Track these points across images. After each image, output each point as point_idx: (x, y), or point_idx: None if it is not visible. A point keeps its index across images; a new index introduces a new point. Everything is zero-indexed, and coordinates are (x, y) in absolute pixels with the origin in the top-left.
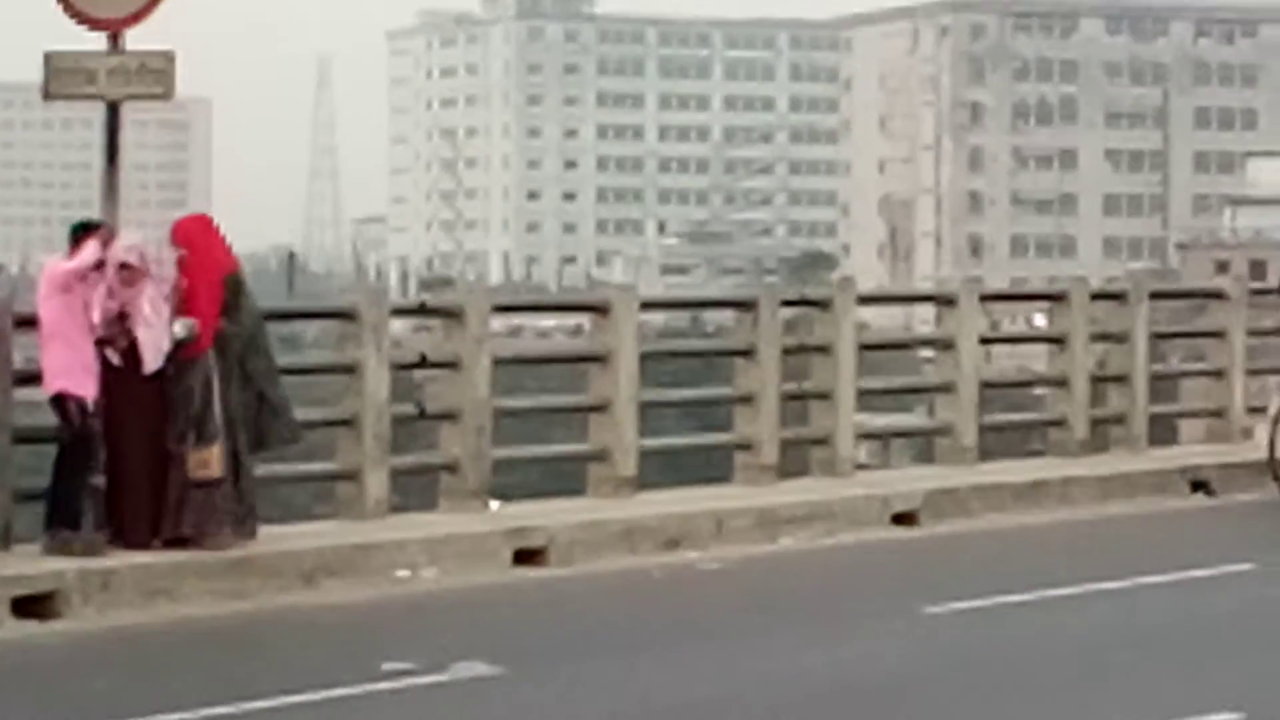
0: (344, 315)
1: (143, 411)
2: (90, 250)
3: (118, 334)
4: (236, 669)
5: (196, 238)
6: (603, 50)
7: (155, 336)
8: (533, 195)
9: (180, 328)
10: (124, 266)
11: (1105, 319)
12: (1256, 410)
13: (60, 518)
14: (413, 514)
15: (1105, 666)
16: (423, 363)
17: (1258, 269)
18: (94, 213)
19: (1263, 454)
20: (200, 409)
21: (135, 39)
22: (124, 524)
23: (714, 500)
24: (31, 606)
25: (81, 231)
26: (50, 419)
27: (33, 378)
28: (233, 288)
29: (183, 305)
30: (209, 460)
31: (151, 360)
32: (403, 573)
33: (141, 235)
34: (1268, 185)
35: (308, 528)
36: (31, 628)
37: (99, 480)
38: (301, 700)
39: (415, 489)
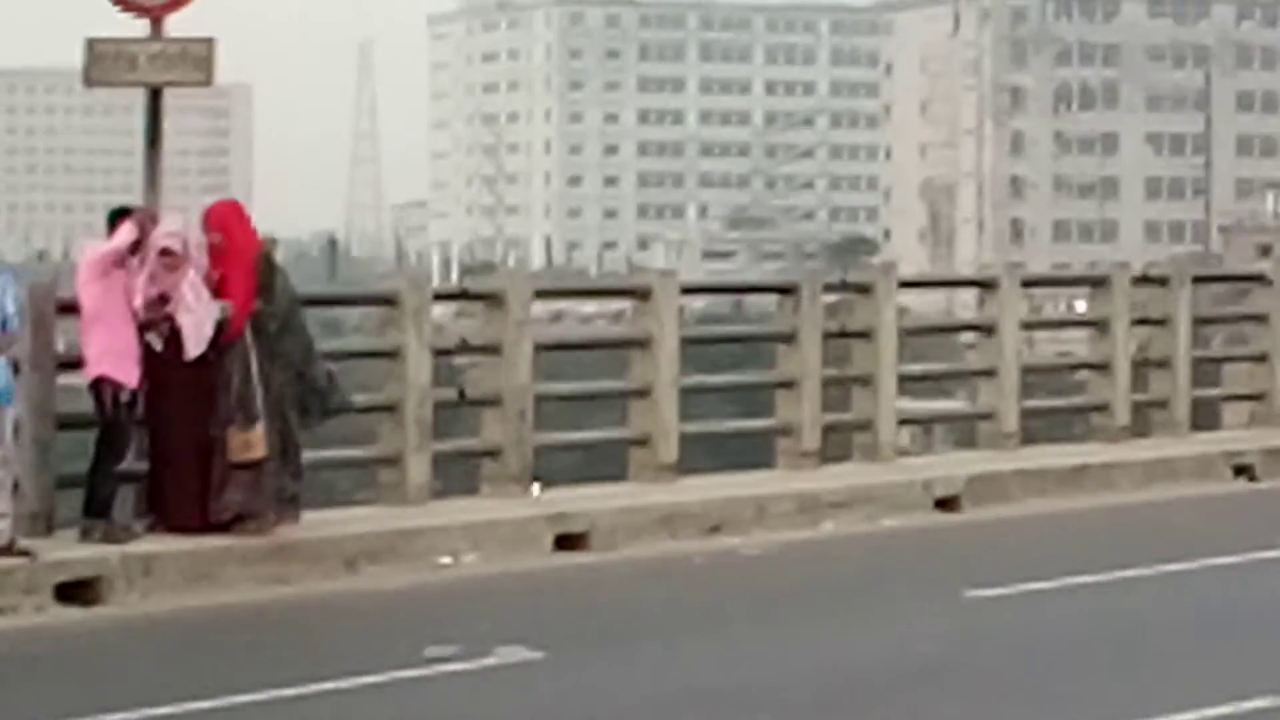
0: (385, 300)
1: (185, 396)
2: (125, 232)
3: (159, 319)
4: (278, 654)
5: (231, 222)
6: (644, 35)
7: (197, 321)
8: (574, 180)
9: (217, 310)
10: (165, 252)
11: (1147, 304)
12: None
13: (90, 505)
14: (455, 499)
15: (1149, 651)
16: (464, 348)
17: None
18: (136, 199)
19: None
20: (242, 391)
21: (176, 25)
22: (169, 509)
23: (755, 485)
24: (75, 592)
25: (119, 217)
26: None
27: (76, 363)
28: (265, 268)
29: (218, 289)
30: (253, 442)
31: (194, 345)
32: (445, 558)
33: (182, 220)
34: None
35: (350, 513)
36: (75, 613)
37: (136, 467)
38: (343, 685)
39: (457, 474)
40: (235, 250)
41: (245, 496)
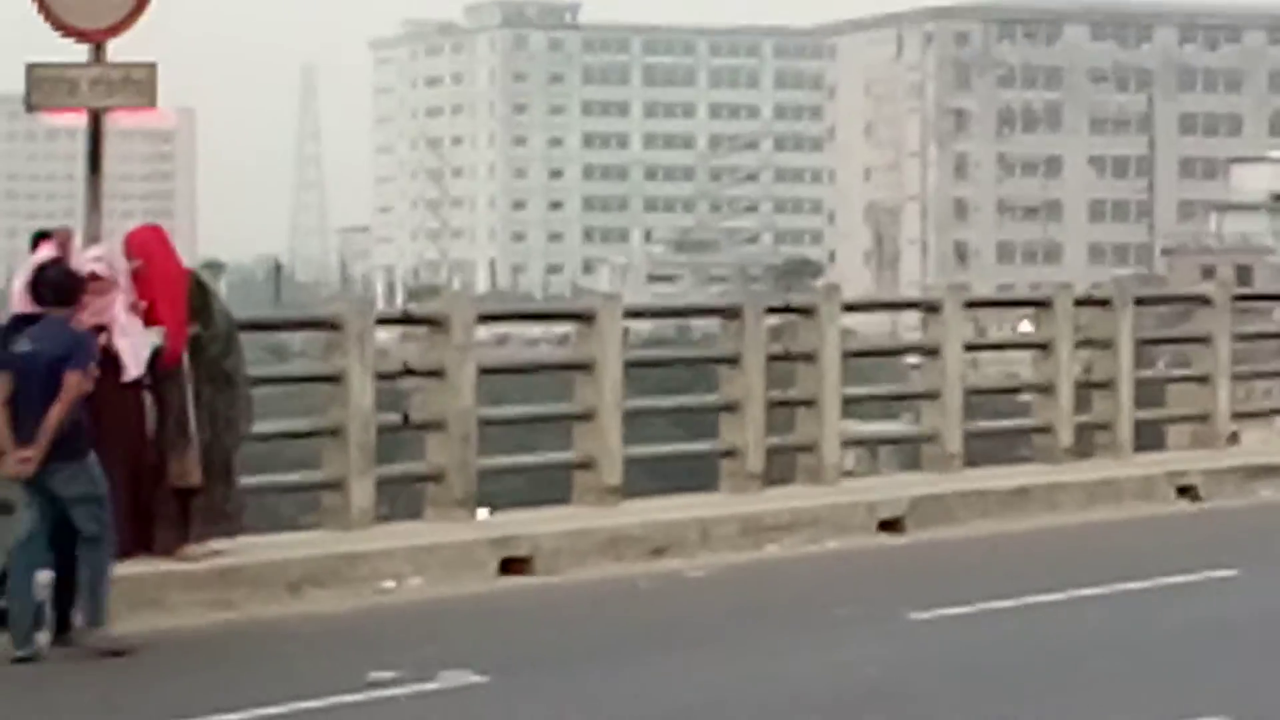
0: (329, 325)
1: (123, 421)
2: (40, 254)
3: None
4: (222, 679)
5: (153, 248)
6: (587, 59)
7: (134, 345)
8: (518, 204)
9: (153, 335)
10: (93, 276)
11: (1090, 325)
12: (1242, 415)
13: None
14: (398, 523)
15: (1091, 672)
16: (407, 372)
17: (1243, 274)
18: (79, 224)
19: (1248, 459)
20: (180, 417)
21: (118, 50)
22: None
23: (700, 508)
24: None
25: (41, 239)
26: None
27: None
28: (197, 293)
29: (146, 316)
30: (189, 468)
31: (133, 368)
32: (388, 582)
33: (107, 244)
34: (1252, 190)
35: (293, 537)
36: None
37: None
38: (285, 710)
39: (401, 498)
40: (160, 276)
41: (182, 523)
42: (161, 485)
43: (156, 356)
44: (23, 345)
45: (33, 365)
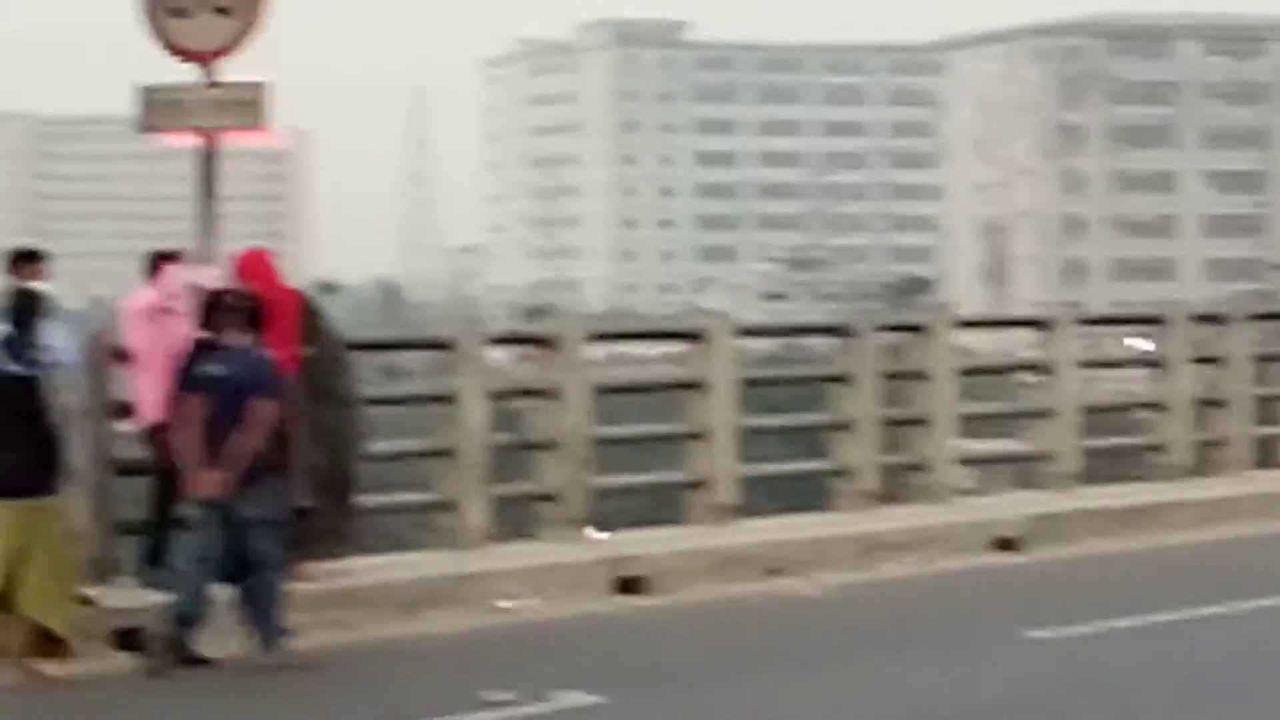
0: (442, 345)
1: None
2: (171, 281)
3: None
4: (337, 700)
5: (263, 270)
6: (699, 77)
7: None
8: (630, 223)
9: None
10: None
11: (1206, 342)
12: None
13: (148, 552)
14: (513, 544)
15: (1210, 692)
16: (521, 391)
17: None
18: (191, 244)
19: None
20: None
21: (229, 72)
22: None
23: (814, 527)
24: (134, 639)
25: (158, 260)
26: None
27: (131, 409)
28: (307, 314)
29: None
30: (301, 490)
31: None
32: (503, 603)
33: (220, 267)
34: None
35: (408, 558)
36: (133, 661)
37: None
38: None
39: (515, 518)
40: (271, 298)
41: (296, 545)
42: None
43: None
44: (213, 369)
45: (223, 390)
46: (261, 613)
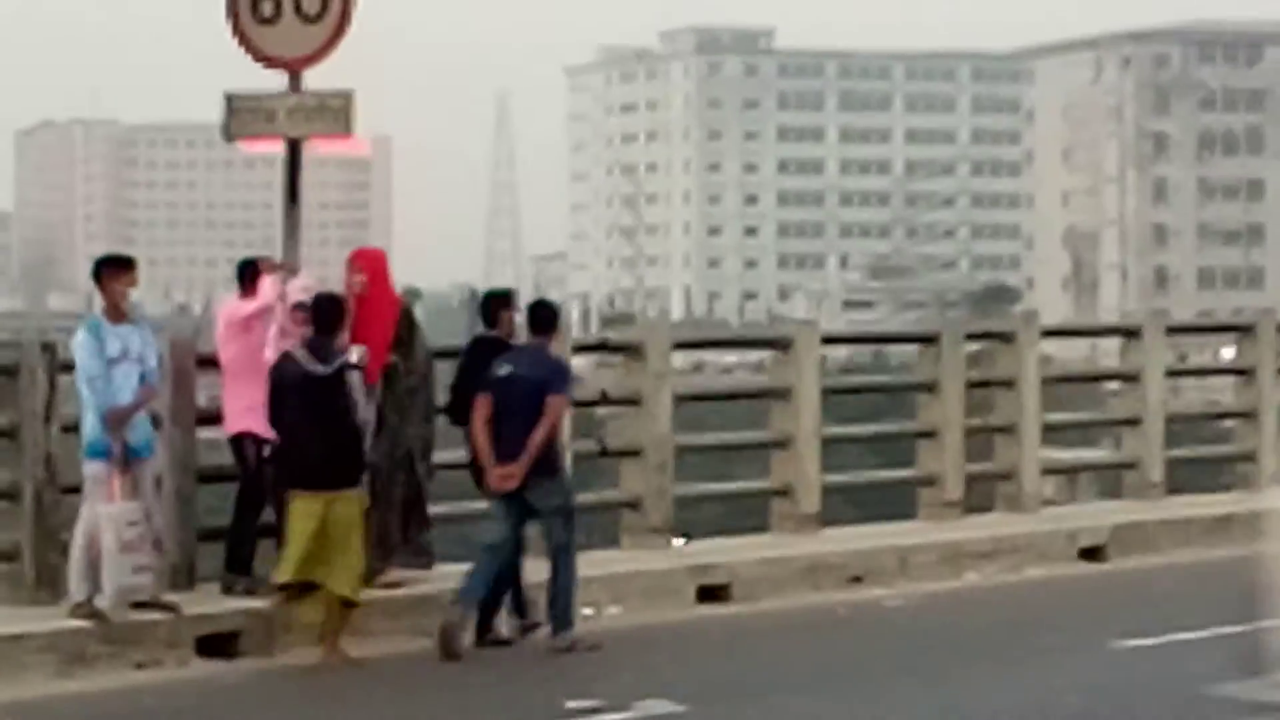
0: None
1: None
2: (269, 290)
3: None
4: (418, 707)
5: (377, 268)
6: (782, 84)
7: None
8: (713, 231)
9: (355, 354)
10: (298, 306)
11: None
12: None
13: (231, 559)
14: (595, 551)
15: None
16: (604, 399)
17: None
18: (275, 252)
19: None
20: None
21: (315, 78)
22: None
23: (898, 536)
24: (217, 645)
25: (248, 268)
26: (232, 459)
27: (215, 418)
28: (405, 324)
29: (357, 333)
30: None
31: None
32: (586, 610)
33: (312, 275)
34: None
35: None
36: (217, 667)
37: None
38: None
39: (598, 526)
40: (376, 299)
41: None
42: None
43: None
44: (502, 369)
45: (512, 388)
46: (562, 595)
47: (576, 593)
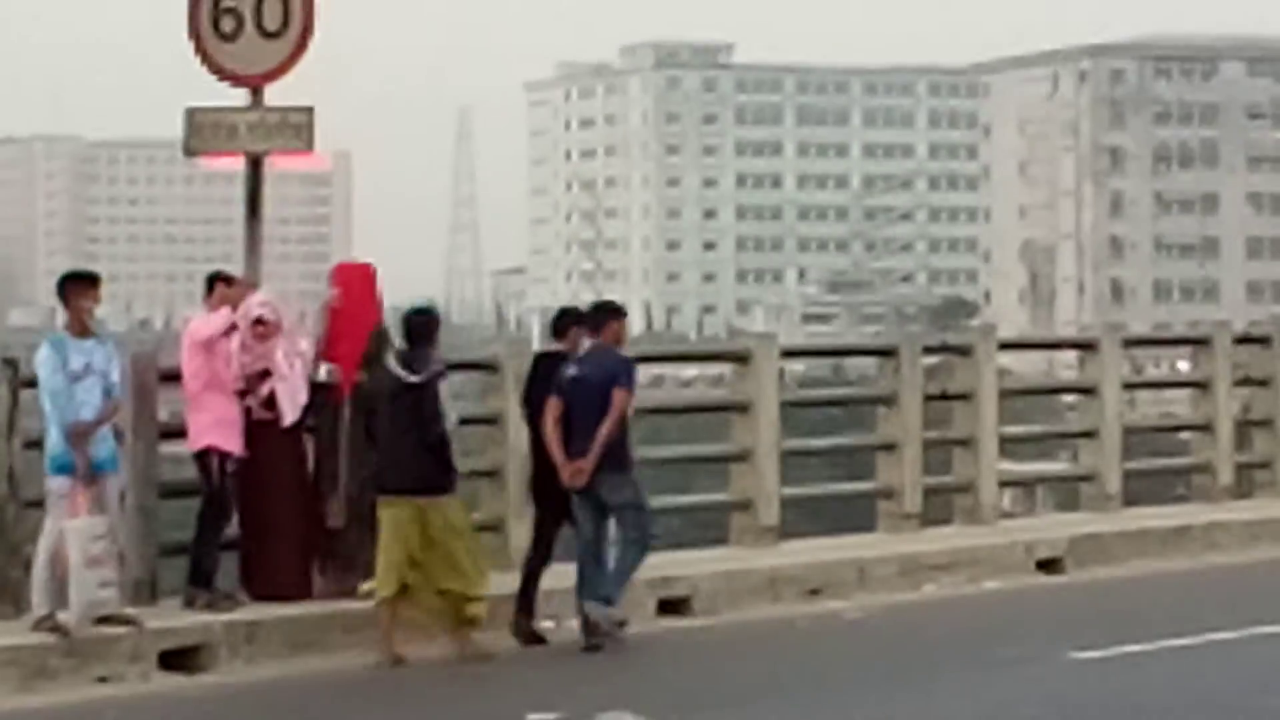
0: (486, 367)
1: (282, 464)
2: (222, 316)
3: (256, 387)
4: (383, 718)
5: (354, 284)
6: (740, 99)
7: (290, 389)
8: (672, 245)
9: (324, 372)
10: (258, 321)
11: (1249, 363)
12: None
13: (194, 573)
14: (557, 564)
15: (1257, 713)
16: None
17: None
18: (237, 267)
19: None
20: (330, 458)
21: (275, 94)
22: (262, 575)
23: (857, 549)
24: (180, 660)
25: (216, 281)
26: (195, 473)
27: (178, 432)
28: (376, 342)
29: (328, 349)
30: (334, 510)
31: (289, 412)
32: (547, 623)
33: (272, 290)
34: None
35: None
36: (179, 681)
37: (235, 534)
38: None
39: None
40: (351, 315)
41: (330, 563)
42: (321, 527)
43: (323, 390)
44: (570, 372)
45: (581, 389)
46: (617, 575)
47: (628, 581)
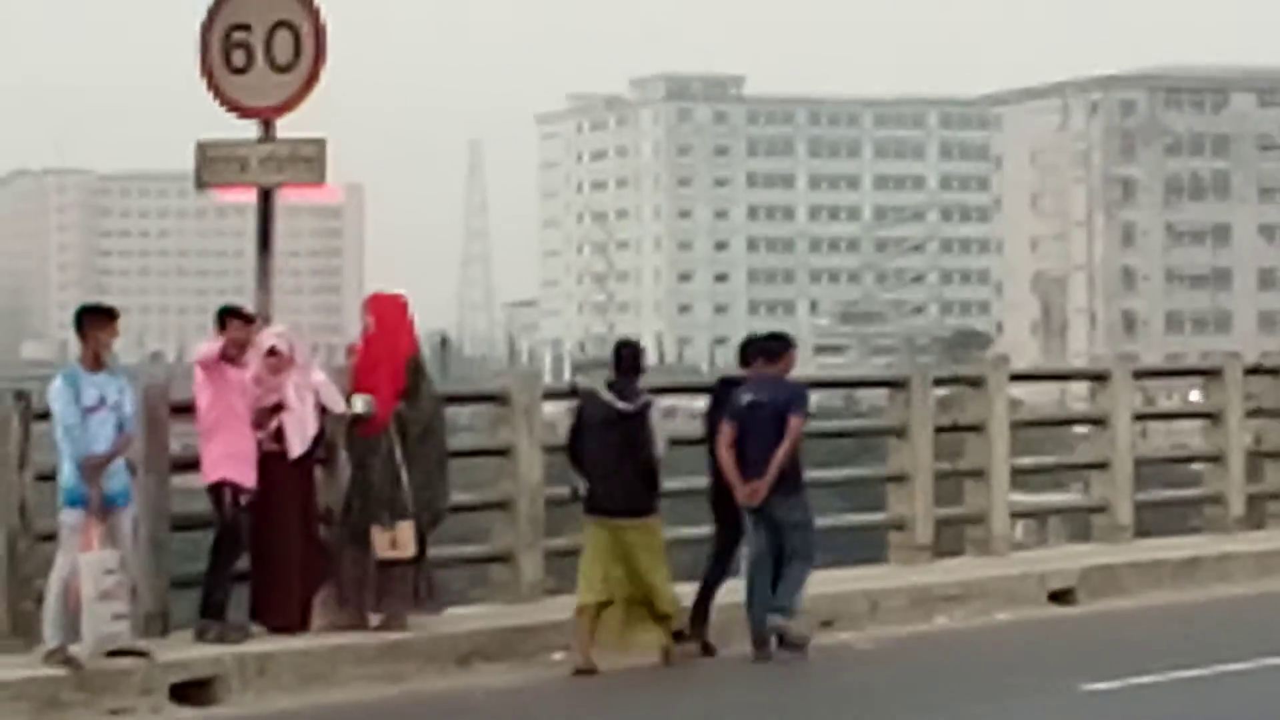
0: (497, 399)
1: (292, 496)
2: (207, 346)
3: (267, 420)
4: None
5: (388, 314)
6: (752, 131)
7: (299, 422)
8: (684, 277)
9: (360, 403)
10: (271, 352)
11: (1261, 394)
12: None
13: (205, 606)
14: (568, 596)
15: None
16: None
17: None
18: (248, 300)
19: None
20: (387, 488)
21: (287, 127)
22: (272, 608)
23: (868, 580)
24: (191, 692)
25: (227, 315)
26: (206, 506)
27: (190, 464)
28: (414, 371)
29: (362, 380)
30: (400, 540)
31: (298, 445)
32: (559, 655)
33: (285, 324)
34: None
35: (463, 611)
36: (190, 714)
37: (246, 567)
38: None
39: (570, 571)
40: (385, 344)
41: (390, 596)
42: (364, 557)
43: (359, 423)
44: (745, 397)
45: (756, 414)
46: (791, 589)
47: (801, 593)
